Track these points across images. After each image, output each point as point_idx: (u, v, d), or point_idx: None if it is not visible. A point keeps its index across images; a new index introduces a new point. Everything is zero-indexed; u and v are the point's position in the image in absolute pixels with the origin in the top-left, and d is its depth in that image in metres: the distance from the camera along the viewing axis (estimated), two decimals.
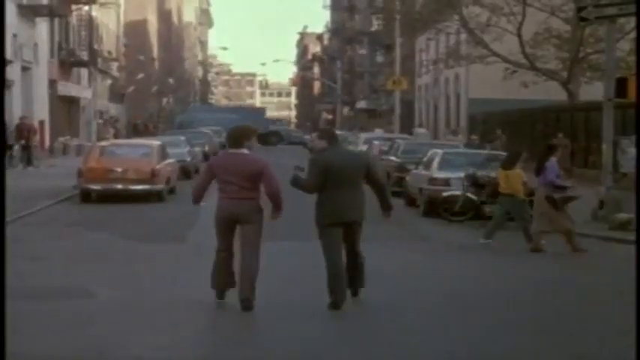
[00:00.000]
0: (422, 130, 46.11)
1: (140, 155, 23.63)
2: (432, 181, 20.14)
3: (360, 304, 10.01)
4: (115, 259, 13.51)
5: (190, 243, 15.63)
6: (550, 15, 33.59)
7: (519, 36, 34.34)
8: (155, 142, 25.45)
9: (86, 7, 51.87)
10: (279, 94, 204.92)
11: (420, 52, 57.63)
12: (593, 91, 32.46)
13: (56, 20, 45.76)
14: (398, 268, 13.11)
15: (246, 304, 9.46)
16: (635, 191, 16.49)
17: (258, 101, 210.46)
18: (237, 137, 9.73)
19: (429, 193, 19.94)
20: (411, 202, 21.90)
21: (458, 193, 19.00)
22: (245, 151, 9.63)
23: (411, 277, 12.43)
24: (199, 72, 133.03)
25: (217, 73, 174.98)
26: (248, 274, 9.50)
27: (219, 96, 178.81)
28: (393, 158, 26.39)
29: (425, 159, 21.89)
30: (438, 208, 19.31)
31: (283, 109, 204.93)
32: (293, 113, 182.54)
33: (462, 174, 19.23)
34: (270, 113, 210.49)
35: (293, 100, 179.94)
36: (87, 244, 15.18)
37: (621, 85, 18.26)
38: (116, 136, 47.41)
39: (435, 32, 42.48)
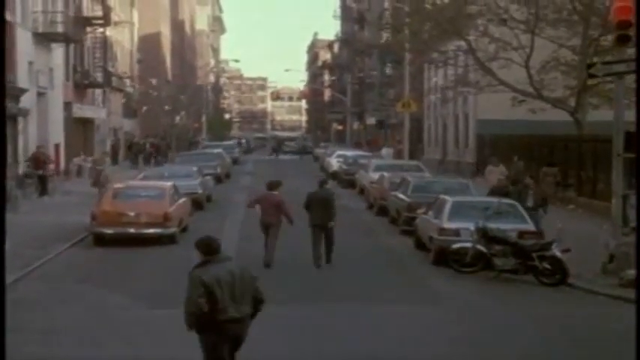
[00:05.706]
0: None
1: (153, 198, 23.76)
2: (442, 231, 20.03)
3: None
4: (127, 334, 13.53)
5: None
6: (559, 47, 33.72)
7: (527, 67, 34.45)
8: (167, 184, 25.58)
9: (101, 29, 51.95)
10: (290, 99, 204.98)
11: (428, 77, 57.63)
12: (600, 115, 32.46)
13: (71, 44, 45.88)
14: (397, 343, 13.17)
15: (267, 264, 19.03)
16: (636, 239, 16.61)
17: (269, 106, 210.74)
18: (272, 186, 19.89)
19: (439, 243, 19.90)
20: (421, 244, 21.93)
21: (468, 245, 18.92)
22: (275, 192, 19.70)
23: None
24: (211, 78, 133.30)
25: (229, 79, 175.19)
26: (270, 250, 19.37)
27: (231, 101, 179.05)
28: (402, 197, 26.31)
29: (435, 205, 21.74)
30: (448, 258, 19.29)
31: (294, 114, 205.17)
32: (304, 118, 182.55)
33: (472, 225, 19.10)
34: (281, 117, 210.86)
35: (303, 104, 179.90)
36: (98, 312, 15.16)
37: (630, 139, 18.39)
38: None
39: (443, 62, 42.56)
